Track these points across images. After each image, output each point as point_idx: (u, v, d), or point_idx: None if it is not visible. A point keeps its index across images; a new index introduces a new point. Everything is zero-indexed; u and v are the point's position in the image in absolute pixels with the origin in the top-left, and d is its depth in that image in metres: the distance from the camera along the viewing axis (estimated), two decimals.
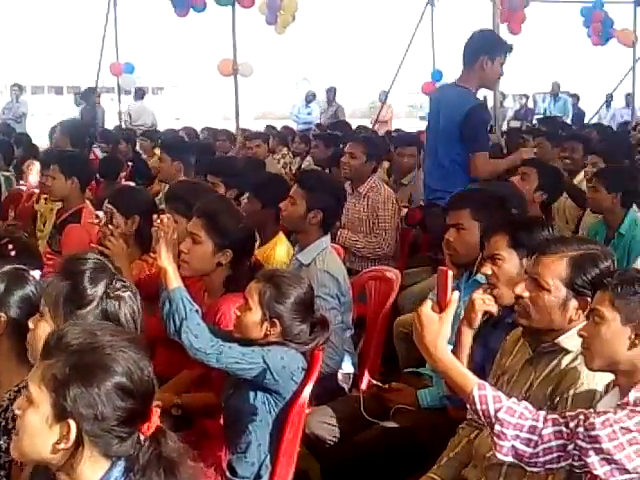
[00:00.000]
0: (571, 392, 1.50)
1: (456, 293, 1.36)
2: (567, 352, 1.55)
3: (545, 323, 1.56)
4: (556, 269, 1.54)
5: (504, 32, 5.09)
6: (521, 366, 1.66)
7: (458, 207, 2.39)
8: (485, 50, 3.26)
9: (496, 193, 2.67)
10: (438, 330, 1.33)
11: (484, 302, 1.74)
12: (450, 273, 1.38)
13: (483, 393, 1.29)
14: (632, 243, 3.05)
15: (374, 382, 2.26)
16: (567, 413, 1.37)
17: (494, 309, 1.76)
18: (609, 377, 1.45)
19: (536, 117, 10.08)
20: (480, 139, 3.24)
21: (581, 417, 1.32)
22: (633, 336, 1.36)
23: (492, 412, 1.29)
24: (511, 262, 1.87)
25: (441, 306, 1.34)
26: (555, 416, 1.34)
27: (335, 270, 2.47)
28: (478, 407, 1.29)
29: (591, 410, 1.36)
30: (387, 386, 2.24)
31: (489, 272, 1.88)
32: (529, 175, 3.17)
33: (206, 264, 2.07)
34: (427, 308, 1.35)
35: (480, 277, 2.28)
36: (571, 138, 4.83)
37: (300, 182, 2.66)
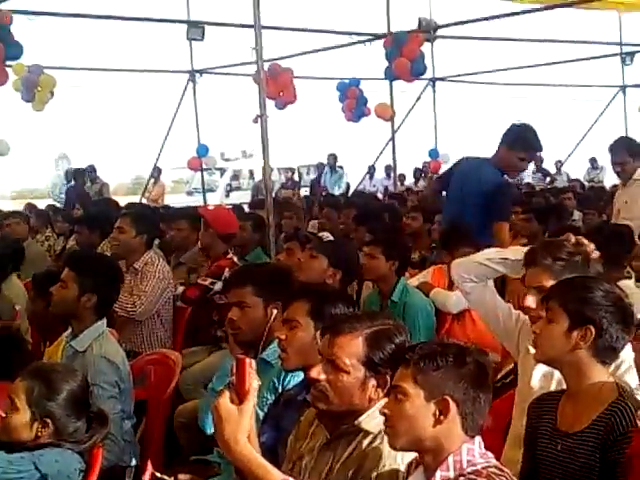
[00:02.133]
0: (374, 474, 1.48)
1: (256, 382, 1.32)
2: (367, 433, 1.53)
3: (346, 405, 1.53)
4: (352, 348, 1.52)
5: (271, 108, 5.17)
6: (319, 450, 1.62)
7: (240, 284, 2.38)
8: (506, 141, 3.72)
9: (277, 269, 2.78)
10: (238, 422, 1.28)
11: None
12: (248, 361, 1.34)
13: None
14: (406, 309, 3.10)
15: (158, 475, 2.07)
16: None
17: None
18: (411, 455, 1.45)
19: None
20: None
21: None
22: (437, 412, 1.35)
23: None
24: (306, 331, 1.88)
25: (240, 396, 1.29)
26: None
27: (113, 355, 2.37)
28: None
29: None
30: (172, 478, 2.08)
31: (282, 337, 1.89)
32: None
33: None
34: (225, 400, 1.29)
35: (266, 355, 2.30)
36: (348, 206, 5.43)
37: (70, 264, 2.55)
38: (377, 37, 6.67)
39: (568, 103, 13.95)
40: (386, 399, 1.47)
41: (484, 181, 3.64)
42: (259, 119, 3.77)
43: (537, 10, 6.60)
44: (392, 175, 8.61)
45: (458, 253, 2.97)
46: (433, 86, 8.61)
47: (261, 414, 2.14)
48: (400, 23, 6.43)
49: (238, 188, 14.41)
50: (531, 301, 1.87)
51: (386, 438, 1.43)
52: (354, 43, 7.08)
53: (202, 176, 9.44)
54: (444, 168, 7.93)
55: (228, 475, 2.07)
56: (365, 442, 1.53)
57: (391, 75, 6.23)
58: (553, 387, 1.91)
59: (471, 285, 2.27)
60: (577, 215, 6.08)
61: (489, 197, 3.56)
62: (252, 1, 3.53)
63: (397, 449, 1.42)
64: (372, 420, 1.53)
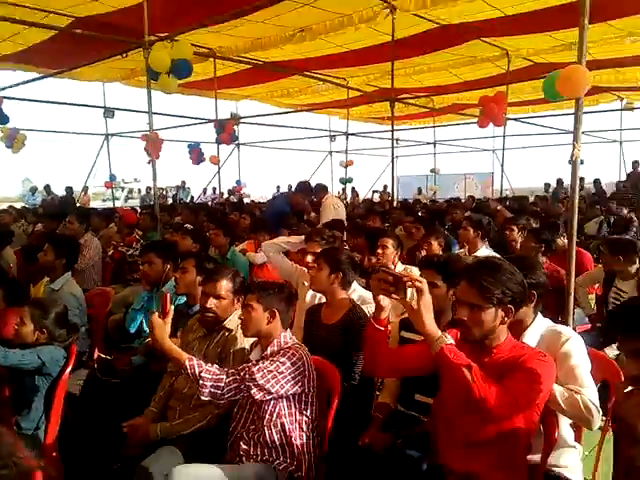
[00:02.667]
0: (232, 350, 2.57)
1: (172, 307, 2.29)
2: (229, 329, 2.64)
3: (222, 316, 2.65)
4: (224, 285, 2.73)
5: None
6: (199, 339, 2.71)
7: (149, 251, 3.79)
8: (297, 189, 7.04)
9: (169, 241, 4.39)
10: (163, 329, 2.17)
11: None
12: (169, 295, 2.37)
13: (191, 363, 2.12)
14: (235, 263, 5.02)
15: (102, 355, 3.30)
16: (239, 367, 2.18)
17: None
18: (252, 340, 2.47)
19: None
20: None
21: (247, 369, 2.14)
22: (269, 317, 2.29)
23: (197, 372, 2.10)
24: (192, 275, 3.26)
25: (164, 315, 2.25)
26: (233, 370, 2.17)
27: (75, 291, 3.65)
28: (189, 371, 2.10)
29: (249, 364, 2.18)
30: (111, 357, 3.35)
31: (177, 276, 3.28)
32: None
33: None
34: (156, 317, 2.19)
35: (164, 289, 3.55)
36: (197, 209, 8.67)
37: (49, 241, 4.07)
38: (210, 121, 10.61)
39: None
40: (240, 310, 2.60)
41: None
42: (151, 162, 5.90)
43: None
44: (217, 192, 14.22)
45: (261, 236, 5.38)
46: (239, 148, 14.16)
47: None
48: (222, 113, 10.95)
49: (131, 198, 24.47)
50: (310, 258, 3.32)
51: (240, 331, 2.52)
52: (198, 124, 11.32)
53: (112, 191, 15.22)
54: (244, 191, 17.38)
55: (142, 355, 3.29)
56: (227, 334, 2.67)
57: (219, 141, 10.64)
58: (316, 302, 3.30)
59: (272, 254, 3.84)
60: None
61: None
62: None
63: (247, 336, 2.46)
64: (231, 322, 2.68)
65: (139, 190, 25.98)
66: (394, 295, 1.93)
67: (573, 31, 8.58)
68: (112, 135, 13.44)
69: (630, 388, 1.51)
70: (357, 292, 3.23)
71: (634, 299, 1.58)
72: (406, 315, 2.70)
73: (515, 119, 12.29)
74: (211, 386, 2.15)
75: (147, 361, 3.27)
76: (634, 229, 8.24)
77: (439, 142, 17.49)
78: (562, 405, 2.02)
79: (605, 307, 4.08)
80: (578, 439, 2.29)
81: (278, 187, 21.95)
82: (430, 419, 2.32)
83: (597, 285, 4.40)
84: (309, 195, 6.89)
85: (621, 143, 16.62)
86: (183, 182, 19.20)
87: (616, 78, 11.00)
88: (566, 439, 2.16)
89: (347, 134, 14.09)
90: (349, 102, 12.19)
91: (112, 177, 13.84)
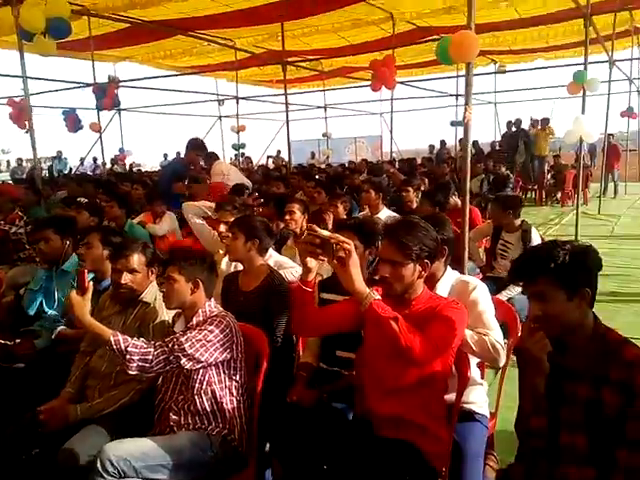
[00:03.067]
0: (151, 324, 2.54)
1: (90, 285, 2.19)
2: (146, 303, 2.60)
3: (138, 289, 2.60)
4: (136, 259, 2.64)
5: None
6: (115, 314, 2.64)
7: (45, 227, 3.47)
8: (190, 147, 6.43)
9: (67, 217, 3.98)
10: (83, 305, 2.11)
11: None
12: (86, 271, 2.27)
13: (116, 339, 2.09)
14: (135, 235, 4.69)
15: (1, 341, 3.06)
16: (167, 339, 2.17)
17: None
18: (172, 312, 2.47)
19: None
20: None
21: (174, 339, 2.15)
22: (193, 287, 2.28)
23: (123, 347, 2.07)
24: (98, 249, 3.16)
25: (82, 291, 2.15)
26: (160, 342, 2.15)
27: None
28: (114, 346, 2.06)
29: (175, 335, 2.21)
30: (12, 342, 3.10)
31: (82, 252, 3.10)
32: None
33: None
34: (74, 294, 2.13)
35: (64, 267, 3.36)
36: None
37: None
38: (88, 85, 9.87)
39: None
40: (155, 282, 2.62)
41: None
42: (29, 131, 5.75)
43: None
44: (98, 162, 13.78)
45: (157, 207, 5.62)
46: (120, 114, 13.59)
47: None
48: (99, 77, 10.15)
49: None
50: (223, 228, 3.35)
51: (159, 303, 2.53)
52: (74, 88, 10.34)
53: None
54: (128, 160, 16.58)
55: (46, 337, 3.14)
56: (145, 307, 2.62)
57: (99, 107, 10.00)
58: (232, 269, 3.33)
59: (193, 219, 3.85)
60: None
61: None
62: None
63: (170, 309, 2.43)
64: (148, 295, 2.64)
65: (7, 163, 24.28)
66: (321, 257, 2.00)
67: None
68: None
69: (533, 326, 1.69)
70: (273, 258, 3.28)
71: (532, 249, 1.76)
72: (324, 277, 2.85)
73: (401, 82, 12.71)
74: (139, 359, 2.12)
75: (52, 344, 3.12)
76: (511, 185, 9.03)
77: (329, 106, 17.69)
78: (473, 347, 2.23)
79: (494, 258, 4.47)
80: (482, 377, 2.54)
81: (165, 155, 21.18)
82: (355, 372, 2.45)
83: (486, 239, 4.78)
84: (203, 151, 6.43)
85: (495, 105, 17.88)
86: (59, 152, 17.48)
87: (490, 42, 11.70)
88: (475, 378, 2.39)
89: (237, 98, 13.79)
90: (238, 64, 11.91)
91: None
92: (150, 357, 2.14)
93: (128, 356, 2.10)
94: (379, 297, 1.97)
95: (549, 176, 13.29)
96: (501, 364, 2.32)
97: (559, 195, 12.86)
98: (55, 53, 5.33)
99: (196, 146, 6.36)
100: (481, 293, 2.39)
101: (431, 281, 2.36)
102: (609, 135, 12.46)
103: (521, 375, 1.84)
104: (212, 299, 2.47)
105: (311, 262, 2.04)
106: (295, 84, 16.11)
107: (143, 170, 16.76)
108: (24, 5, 5.53)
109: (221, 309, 2.48)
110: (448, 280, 2.48)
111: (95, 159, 14.70)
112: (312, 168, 12.29)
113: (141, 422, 2.43)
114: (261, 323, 2.71)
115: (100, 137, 10.60)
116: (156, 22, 9.83)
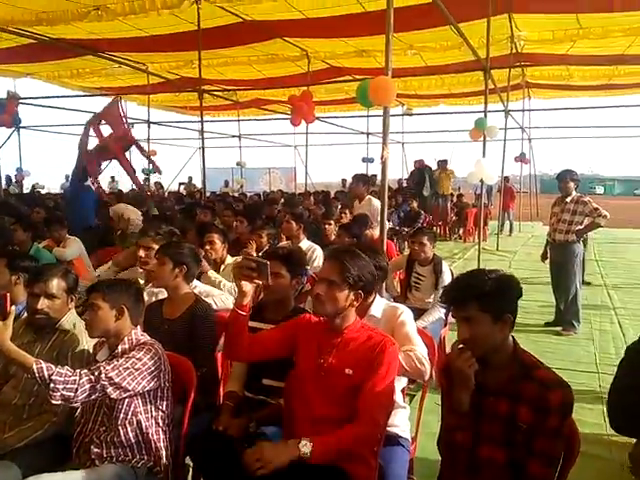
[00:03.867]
0: (70, 353, 2.43)
1: (13, 309, 2.06)
2: (64, 330, 2.48)
3: (56, 316, 2.48)
4: (56, 284, 2.52)
5: None
6: (28, 344, 2.48)
7: None
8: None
9: None
10: (3, 331, 2.00)
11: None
12: (8, 295, 2.16)
13: (39, 366, 1.97)
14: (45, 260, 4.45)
15: None
16: (92, 367, 2.08)
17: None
18: (94, 341, 2.37)
19: None
20: None
21: (100, 368, 2.07)
22: (117, 314, 2.21)
23: (46, 376, 1.96)
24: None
25: (3, 317, 2.05)
26: (85, 371, 2.07)
27: None
28: (37, 374, 1.94)
29: (101, 363, 2.11)
30: None
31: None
32: None
33: None
34: None
35: None
36: None
37: None
38: None
39: None
40: (74, 309, 2.51)
41: None
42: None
43: None
44: None
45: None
46: (19, 131, 13.36)
47: None
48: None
49: None
50: (142, 253, 3.39)
51: (78, 330, 2.44)
52: None
53: None
54: (27, 181, 16.42)
55: None
56: (63, 335, 2.50)
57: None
58: (153, 299, 3.24)
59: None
60: None
61: None
62: None
63: (93, 337, 2.33)
64: (67, 322, 2.53)
65: None
66: (256, 280, 2.04)
67: (363, 39, 9.52)
68: None
69: (461, 346, 1.84)
70: (198, 287, 3.24)
71: (462, 276, 1.92)
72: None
73: (317, 118, 13.10)
74: (63, 389, 2.01)
75: None
76: (420, 220, 9.55)
77: (244, 136, 17.79)
78: (405, 366, 2.38)
79: (408, 289, 4.69)
80: (404, 401, 2.67)
81: (67, 176, 20.14)
82: (284, 399, 2.47)
83: (400, 271, 5.00)
84: None
85: (403, 144, 18.91)
86: None
87: (399, 86, 12.41)
88: (399, 402, 2.51)
89: (149, 122, 13.52)
90: (151, 89, 11.73)
91: None
92: (75, 386, 2.04)
93: (52, 385, 1.99)
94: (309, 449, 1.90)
95: (452, 214, 14.14)
96: (427, 377, 2.47)
97: (461, 231, 13.70)
98: None
99: None
100: (407, 316, 2.63)
101: (363, 306, 2.48)
102: (505, 177, 13.53)
103: (446, 393, 1.97)
104: (138, 327, 2.41)
105: (246, 286, 2.07)
106: (210, 111, 16.11)
107: (43, 192, 15.76)
108: None
109: (147, 337, 2.42)
110: (379, 305, 2.68)
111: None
112: (226, 196, 12.24)
113: (56, 456, 2.31)
114: (186, 351, 2.68)
115: None
116: (64, 40, 9.50)
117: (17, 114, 9.59)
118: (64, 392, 2.02)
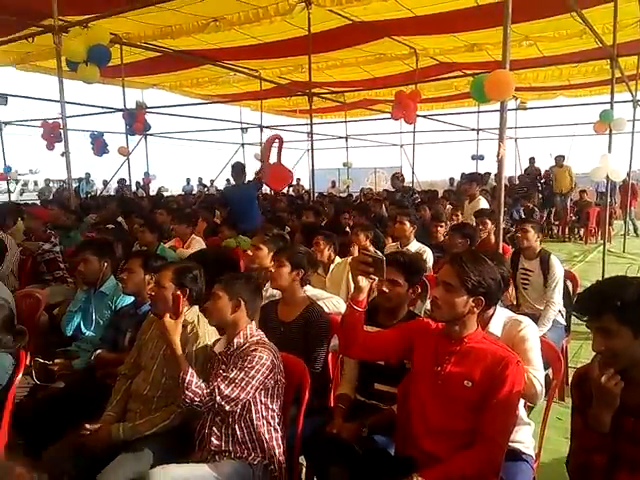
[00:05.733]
0: (194, 348, 2.49)
1: (184, 311, 2.30)
2: (188, 322, 2.50)
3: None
4: (167, 278, 2.77)
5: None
6: (159, 336, 2.58)
7: (84, 249, 3.61)
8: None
9: (105, 240, 3.95)
10: (175, 330, 2.29)
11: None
12: (182, 297, 2.34)
13: (187, 376, 2.19)
14: None
15: (40, 360, 3.07)
16: (210, 387, 2.21)
17: None
18: (214, 336, 2.49)
19: None
20: None
21: (216, 389, 2.19)
22: (234, 306, 2.29)
23: (186, 383, 2.18)
24: (139, 275, 3.11)
25: (176, 317, 2.31)
26: (208, 391, 2.21)
27: (6, 296, 3.31)
28: (183, 377, 2.18)
29: (221, 378, 2.21)
30: (50, 362, 3.10)
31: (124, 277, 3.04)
32: None
33: None
34: (168, 318, 2.27)
35: (103, 289, 3.41)
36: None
37: None
38: (118, 110, 10.33)
39: None
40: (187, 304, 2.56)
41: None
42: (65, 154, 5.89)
43: None
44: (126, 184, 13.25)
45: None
46: (146, 139, 13.58)
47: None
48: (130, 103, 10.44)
49: (27, 191, 23.00)
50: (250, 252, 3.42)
51: (200, 325, 2.54)
52: (104, 113, 11.08)
53: (7, 183, 14.29)
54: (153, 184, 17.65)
55: (84, 359, 3.16)
56: (188, 327, 2.56)
57: (130, 131, 10.22)
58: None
59: None
60: None
61: None
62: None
63: (211, 325, 2.47)
64: (190, 314, 2.60)
65: (35, 183, 24.39)
66: (372, 276, 2.02)
67: (474, 33, 9.19)
68: (6, 124, 12.51)
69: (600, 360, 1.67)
70: (310, 291, 3.26)
71: (598, 284, 1.75)
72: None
73: (423, 116, 12.86)
74: (193, 398, 2.22)
75: (90, 366, 3.13)
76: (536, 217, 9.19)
77: (351, 136, 17.90)
78: None
79: (516, 290, 4.41)
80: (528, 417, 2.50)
81: (188, 180, 21.43)
82: (398, 406, 2.42)
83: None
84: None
85: (516, 140, 18.02)
86: (87, 174, 17.32)
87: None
88: (522, 417, 2.37)
89: (261, 127, 14.00)
90: (263, 94, 12.14)
91: (7, 169, 12.74)
92: (204, 400, 2.23)
93: (187, 392, 2.20)
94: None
95: (572, 213, 13.24)
96: (539, 400, 2.29)
97: (582, 232, 12.79)
98: (98, 80, 5.46)
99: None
100: (531, 331, 2.38)
101: (484, 318, 2.34)
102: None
103: (579, 410, 1.81)
104: (253, 322, 2.46)
105: (362, 281, 2.05)
106: (318, 114, 16.37)
107: (166, 194, 16.86)
108: (67, 36, 5.71)
109: (262, 334, 2.46)
110: (500, 318, 2.45)
111: (122, 181, 14.70)
112: (333, 197, 12.35)
113: (181, 448, 2.43)
114: (301, 354, 2.71)
115: (128, 161, 10.75)
116: (185, 52, 10.10)
117: (147, 122, 10.26)
118: (193, 402, 2.22)
